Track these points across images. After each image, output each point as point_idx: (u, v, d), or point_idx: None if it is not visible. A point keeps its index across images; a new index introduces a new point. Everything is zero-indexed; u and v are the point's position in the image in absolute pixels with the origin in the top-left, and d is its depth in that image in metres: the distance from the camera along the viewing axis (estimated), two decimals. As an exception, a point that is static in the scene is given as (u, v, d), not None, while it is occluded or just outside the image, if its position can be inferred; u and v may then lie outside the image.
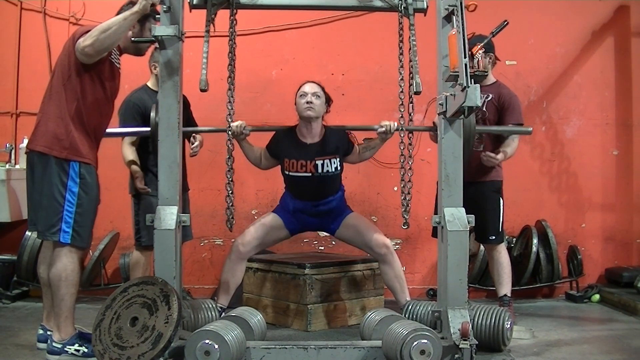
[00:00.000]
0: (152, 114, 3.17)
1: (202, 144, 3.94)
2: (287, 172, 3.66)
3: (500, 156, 3.76)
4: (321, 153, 3.61)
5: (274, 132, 3.75)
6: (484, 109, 3.83)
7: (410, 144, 3.22)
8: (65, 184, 2.99)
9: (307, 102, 3.57)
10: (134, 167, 3.72)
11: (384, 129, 3.46)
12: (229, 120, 3.20)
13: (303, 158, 3.60)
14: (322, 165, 3.59)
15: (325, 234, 4.98)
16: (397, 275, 3.64)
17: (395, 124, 3.40)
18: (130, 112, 3.73)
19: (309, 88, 3.63)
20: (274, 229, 3.70)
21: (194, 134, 3.85)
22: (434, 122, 3.38)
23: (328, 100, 3.72)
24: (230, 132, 3.24)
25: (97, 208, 3.14)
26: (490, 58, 3.88)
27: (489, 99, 3.83)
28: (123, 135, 3.71)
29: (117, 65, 3.19)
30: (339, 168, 3.65)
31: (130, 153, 3.74)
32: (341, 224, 3.71)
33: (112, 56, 3.11)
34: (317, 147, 3.62)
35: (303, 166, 3.60)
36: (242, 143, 3.59)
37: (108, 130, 3.29)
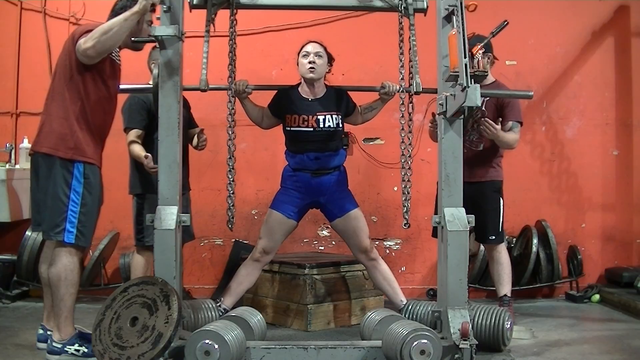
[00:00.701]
0: (155, 71, 3.11)
1: (206, 140, 3.93)
2: (288, 128, 3.63)
3: (497, 126, 3.70)
4: (323, 108, 3.60)
5: (276, 91, 3.73)
6: (483, 108, 3.82)
7: (410, 144, 3.22)
8: (69, 184, 2.99)
9: (310, 62, 3.58)
10: (140, 152, 3.61)
11: (385, 89, 3.48)
12: (231, 77, 3.17)
13: (305, 113, 3.58)
14: (324, 120, 3.57)
15: (325, 233, 4.98)
16: (385, 277, 3.60)
17: (396, 85, 3.40)
18: (136, 107, 3.72)
19: (311, 47, 3.62)
20: (279, 225, 3.62)
21: (200, 133, 3.84)
22: (433, 114, 3.39)
23: (330, 60, 3.72)
24: (232, 90, 3.22)
25: (100, 208, 3.15)
26: (488, 58, 3.88)
27: (488, 98, 3.83)
28: (129, 91, 3.58)
29: (118, 62, 3.19)
30: (340, 125, 3.63)
31: (137, 147, 3.67)
32: (344, 216, 3.63)
33: (112, 54, 3.11)
34: (318, 103, 3.62)
35: (305, 121, 3.58)
36: (244, 102, 3.57)
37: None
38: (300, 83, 3.68)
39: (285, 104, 3.65)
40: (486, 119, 3.71)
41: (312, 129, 3.57)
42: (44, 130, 3.05)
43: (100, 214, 3.18)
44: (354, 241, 3.61)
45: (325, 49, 3.68)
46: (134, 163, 3.75)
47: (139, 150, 3.65)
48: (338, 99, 3.65)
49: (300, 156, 3.62)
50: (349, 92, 3.71)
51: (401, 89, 3.25)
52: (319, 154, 3.59)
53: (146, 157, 3.52)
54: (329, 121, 3.57)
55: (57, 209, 2.99)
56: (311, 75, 3.57)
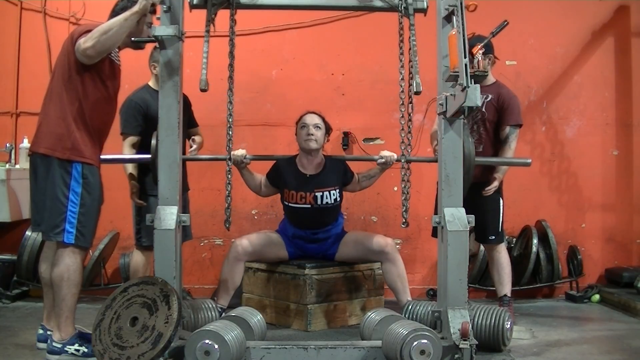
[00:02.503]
0: (153, 142, 3.13)
1: (201, 145, 3.94)
2: (286, 203, 3.73)
3: (495, 183, 3.78)
4: (321, 185, 3.68)
5: (274, 161, 3.82)
6: (484, 109, 3.83)
7: (409, 144, 3.22)
8: (68, 185, 2.99)
9: (308, 134, 3.64)
10: (133, 182, 3.72)
11: (383, 160, 3.54)
12: (229, 148, 3.18)
13: (303, 190, 3.66)
14: (322, 197, 3.66)
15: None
16: (400, 274, 3.69)
17: (395, 155, 3.47)
18: (132, 112, 3.72)
19: (309, 119, 3.70)
20: (275, 245, 3.79)
21: (193, 137, 3.85)
22: (434, 149, 3.42)
23: (328, 130, 3.80)
24: (230, 161, 3.23)
25: (100, 208, 3.15)
26: (489, 59, 3.88)
27: (488, 99, 3.83)
28: (123, 162, 3.67)
29: (117, 63, 3.19)
30: (338, 199, 3.72)
31: (130, 166, 3.72)
32: (339, 246, 3.80)
33: (111, 54, 3.10)
34: (316, 179, 3.69)
35: (302, 197, 3.66)
36: (243, 171, 3.65)
37: (107, 156, 3.27)
38: (298, 155, 3.73)
39: (283, 177, 3.74)
40: (485, 190, 3.75)
41: (309, 206, 3.65)
42: (41, 130, 3.05)
43: (100, 214, 3.18)
44: (365, 251, 3.72)
45: (323, 119, 3.75)
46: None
47: (130, 170, 3.72)
48: (336, 172, 3.74)
49: (298, 231, 3.73)
50: (347, 162, 3.86)
51: (400, 158, 3.23)
52: (317, 229, 3.71)
53: (133, 192, 3.68)
54: (327, 197, 3.65)
55: (56, 210, 2.98)
56: (310, 145, 3.65)
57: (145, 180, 3.72)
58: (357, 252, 3.78)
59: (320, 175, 3.71)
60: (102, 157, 3.21)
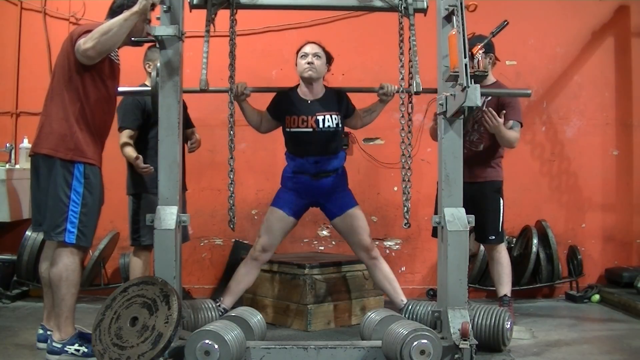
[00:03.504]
0: (153, 73, 3.11)
1: (199, 143, 3.94)
2: (288, 129, 3.62)
3: (500, 119, 3.70)
4: (322, 108, 3.59)
5: (275, 94, 3.72)
6: (484, 108, 3.82)
7: (410, 144, 3.22)
8: (70, 185, 2.99)
9: (308, 63, 3.57)
10: (132, 154, 3.62)
11: (384, 89, 3.48)
12: (232, 77, 3.16)
13: (304, 114, 3.58)
14: (324, 120, 3.56)
15: (325, 233, 4.98)
16: (386, 276, 3.59)
17: (395, 86, 3.40)
18: (130, 107, 3.72)
19: (309, 48, 3.62)
20: (279, 223, 3.62)
21: (192, 133, 3.85)
22: (434, 121, 3.39)
23: (329, 60, 3.71)
24: (231, 92, 3.21)
25: (101, 208, 3.15)
26: (490, 58, 3.88)
27: (488, 99, 3.82)
28: (128, 93, 3.58)
29: (117, 62, 3.19)
30: (340, 125, 3.62)
31: (128, 148, 3.68)
32: (344, 214, 3.64)
33: (111, 54, 3.10)
34: (318, 103, 3.61)
35: (304, 121, 3.58)
36: (243, 104, 3.56)
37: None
38: (298, 85, 3.67)
39: (284, 105, 3.64)
40: (489, 109, 3.70)
41: (311, 130, 3.56)
42: (43, 131, 3.05)
43: (100, 214, 3.18)
44: (355, 239, 3.61)
45: (323, 49, 3.67)
46: (130, 164, 3.76)
47: (130, 151, 3.65)
48: (338, 100, 3.65)
49: (300, 160, 3.61)
50: (348, 94, 3.71)
51: (400, 89, 3.24)
52: (318, 157, 3.59)
53: (137, 157, 3.55)
54: (328, 121, 3.57)
55: (57, 210, 2.99)
56: (310, 73, 3.56)
57: (144, 179, 3.71)
58: (347, 235, 3.66)
59: (321, 100, 3.63)
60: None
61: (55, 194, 2.99)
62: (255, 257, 3.59)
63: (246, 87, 3.43)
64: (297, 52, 3.65)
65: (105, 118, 3.16)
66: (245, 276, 3.60)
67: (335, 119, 3.58)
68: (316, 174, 3.60)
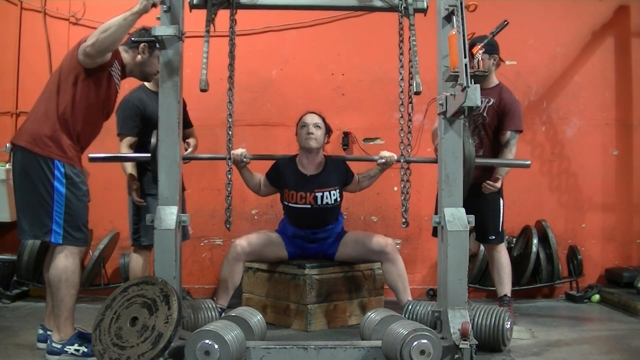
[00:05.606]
0: (153, 140, 3.13)
1: (195, 147, 3.93)
2: (286, 203, 3.73)
3: (498, 184, 3.78)
4: (321, 185, 3.67)
5: (274, 161, 3.81)
6: (484, 114, 3.82)
7: (409, 144, 3.22)
8: (52, 184, 2.97)
9: (308, 133, 3.63)
10: (134, 182, 3.69)
11: (383, 160, 3.54)
12: (229, 148, 3.19)
13: (303, 190, 3.65)
14: (322, 197, 3.65)
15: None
16: (400, 274, 3.69)
17: (395, 155, 3.46)
18: (129, 112, 3.71)
19: (309, 119, 3.69)
20: (274, 245, 3.78)
21: (187, 140, 3.84)
22: (435, 148, 3.42)
23: (328, 131, 3.80)
24: (230, 160, 3.22)
25: (88, 205, 3.12)
26: (494, 59, 3.87)
27: (490, 103, 3.82)
28: (124, 160, 3.63)
29: (116, 81, 3.18)
30: (338, 199, 3.71)
31: (129, 166, 3.70)
32: (339, 246, 3.80)
33: (112, 69, 3.11)
34: (317, 179, 3.68)
35: (302, 198, 3.66)
36: (242, 171, 3.64)
37: (108, 155, 3.31)
38: (298, 155, 3.73)
39: (283, 177, 3.73)
40: (485, 182, 3.75)
41: (309, 206, 3.64)
42: (25, 125, 3.08)
43: (99, 213, 3.17)
44: (365, 251, 3.72)
45: (323, 119, 3.74)
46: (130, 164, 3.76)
47: (130, 170, 3.68)
48: (337, 172, 3.73)
49: (298, 230, 3.73)
50: (347, 162, 3.85)
51: (400, 158, 3.23)
52: (317, 229, 3.71)
53: (135, 189, 3.63)
54: (327, 198, 3.65)
55: (42, 209, 2.98)
56: (310, 143, 3.64)
57: (142, 179, 3.71)
58: (357, 252, 3.79)
59: (320, 175, 3.70)
60: (103, 155, 3.20)
61: (36, 191, 2.97)
62: (239, 258, 3.66)
63: (245, 155, 3.49)
64: (297, 123, 3.74)
65: (87, 128, 3.12)
66: (230, 272, 3.66)
67: (334, 194, 3.67)
68: (313, 241, 3.78)
